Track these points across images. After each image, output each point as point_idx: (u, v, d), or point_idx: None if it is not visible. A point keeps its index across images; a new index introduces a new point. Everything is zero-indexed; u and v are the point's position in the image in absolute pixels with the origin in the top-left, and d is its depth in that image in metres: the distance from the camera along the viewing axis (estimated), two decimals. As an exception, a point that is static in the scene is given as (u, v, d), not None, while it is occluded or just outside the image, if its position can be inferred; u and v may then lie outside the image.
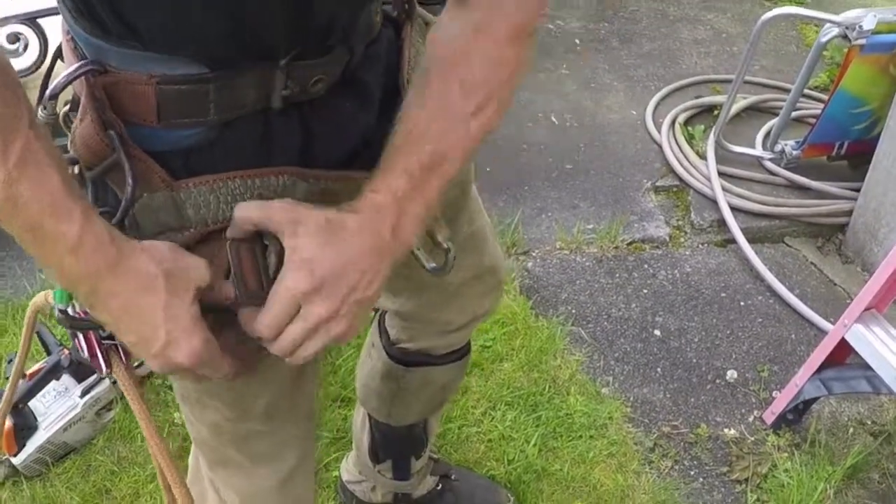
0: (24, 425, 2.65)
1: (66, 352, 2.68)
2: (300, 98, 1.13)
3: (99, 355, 1.21)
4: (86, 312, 1.13)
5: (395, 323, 1.94)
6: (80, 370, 2.69)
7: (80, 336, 1.20)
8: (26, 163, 0.92)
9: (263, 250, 1.11)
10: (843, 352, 2.68)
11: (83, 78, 1.04)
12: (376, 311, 1.99)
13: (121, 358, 1.22)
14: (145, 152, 1.07)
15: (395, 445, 2.30)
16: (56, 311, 1.13)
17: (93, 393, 2.72)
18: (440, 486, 2.54)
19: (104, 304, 1.02)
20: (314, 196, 1.14)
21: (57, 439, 2.67)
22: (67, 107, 1.11)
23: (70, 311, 1.13)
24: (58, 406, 2.71)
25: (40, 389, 2.69)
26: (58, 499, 2.61)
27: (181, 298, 1.04)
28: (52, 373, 2.69)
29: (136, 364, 2.71)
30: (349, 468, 2.54)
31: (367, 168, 1.17)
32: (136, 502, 2.60)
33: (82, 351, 1.22)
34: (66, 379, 2.75)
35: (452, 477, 2.57)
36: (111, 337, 1.18)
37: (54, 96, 1.09)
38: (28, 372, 2.69)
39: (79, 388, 2.73)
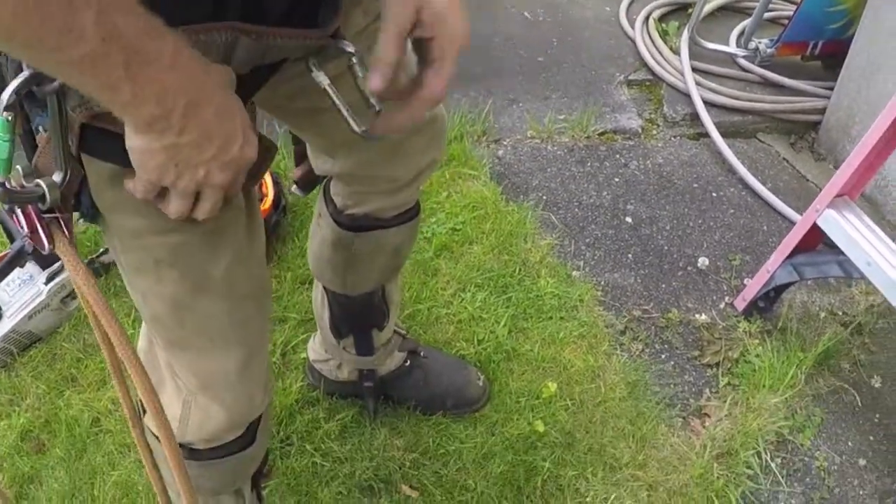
0: (-12, 315, 2.60)
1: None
2: None
3: (40, 230, 1.15)
4: (22, 186, 1.09)
5: (340, 189, 1.88)
6: (45, 257, 2.62)
7: (19, 211, 1.15)
8: None
9: None
10: (814, 238, 2.65)
11: None
12: (322, 178, 1.93)
13: (63, 232, 1.16)
14: None
15: (355, 317, 2.26)
16: None
17: (58, 280, 2.67)
18: (408, 362, 2.51)
19: (200, 115, 1.00)
20: (256, 53, 1.12)
21: (22, 328, 2.62)
22: None
23: (7, 184, 1.07)
24: (22, 294, 2.66)
25: (4, 277, 2.62)
26: (23, 388, 2.57)
27: (238, 99, 1.07)
28: (16, 260, 2.59)
29: (98, 253, 2.68)
30: (315, 347, 2.51)
31: (304, 25, 1.16)
32: (102, 389, 2.56)
33: (22, 228, 1.16)
34: (31, 266, 2.70)
35: (421, 354, 2.54)
36: (51, 210, 1.13)
37: None
38: (-10, 261, 2.63)
39: (43, 276, 2.68)
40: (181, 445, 1.63)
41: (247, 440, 1.73)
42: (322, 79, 1.23)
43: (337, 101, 1.23)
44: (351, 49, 1.22)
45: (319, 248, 2.04)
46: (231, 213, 1.27)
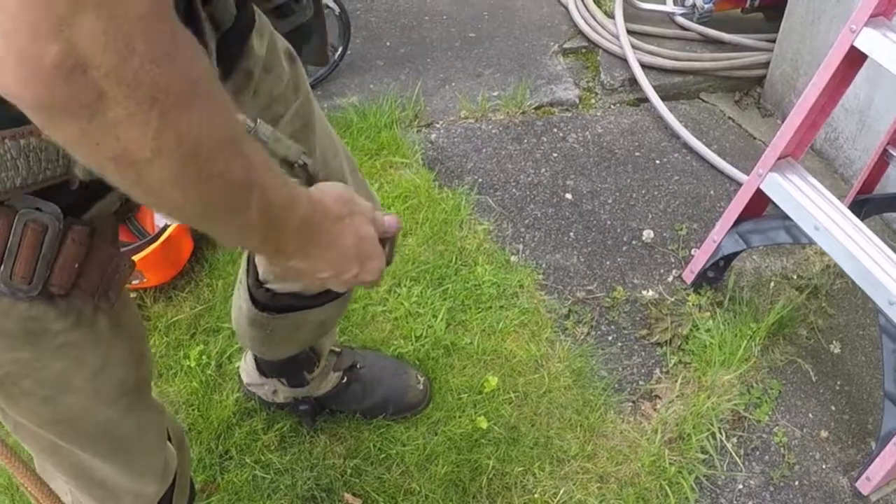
0: None
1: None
2: None
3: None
4: None
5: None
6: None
7: None
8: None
9: (58, 239, 1.02)
10: (760, 203, 2.56)
11: None
12: None
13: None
14: None
15: (281, 369, 2.17)
16: None
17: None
18: (345, 378, 2.40)
19: (335, 243, 1.11)
20: None
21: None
22: None
23: None
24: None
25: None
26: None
27: None
28: None
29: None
30: (248, 371, 2.39)
31: None
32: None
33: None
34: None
35: (358, 366, 2.43)
36: None
37: None
38: None
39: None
40: None
41: None
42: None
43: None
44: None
45: (238, 316, 1.89)
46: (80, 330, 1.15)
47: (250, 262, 1.76)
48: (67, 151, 0.87)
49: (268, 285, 1.72)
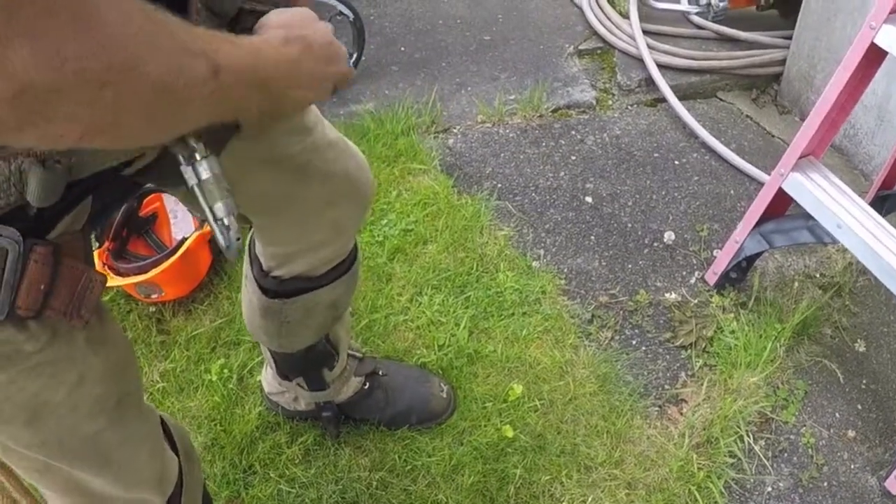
0: None
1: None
2: None
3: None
4: None
5: (262, 248, 1.75)
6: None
7: None
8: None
9: (19, 262, 1.01)
10: (782, 203, 2.54)
11: None
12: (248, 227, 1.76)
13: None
14: None
15: (299, 366, 2.15)
16: None
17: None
18: (367, 384, 2.38)
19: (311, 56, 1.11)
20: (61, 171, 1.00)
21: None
22: None
23: None
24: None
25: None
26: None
27: None
28: None
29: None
30: (269, 380, 2.38)
31: None
32: None
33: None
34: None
35: (380, 373, 2.42)
36: None
37: None
38: None
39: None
40: None
41: None
42: (190, 176, 1.08)
43: (204, 206, 1.09)
44: (194, 145, 1.06)
45: (250, 313, 1.91)
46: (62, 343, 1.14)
47: (253, 255, 1.79)
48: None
49: (273, 273, 1.76)
